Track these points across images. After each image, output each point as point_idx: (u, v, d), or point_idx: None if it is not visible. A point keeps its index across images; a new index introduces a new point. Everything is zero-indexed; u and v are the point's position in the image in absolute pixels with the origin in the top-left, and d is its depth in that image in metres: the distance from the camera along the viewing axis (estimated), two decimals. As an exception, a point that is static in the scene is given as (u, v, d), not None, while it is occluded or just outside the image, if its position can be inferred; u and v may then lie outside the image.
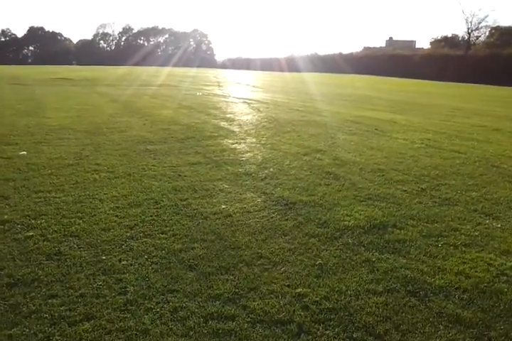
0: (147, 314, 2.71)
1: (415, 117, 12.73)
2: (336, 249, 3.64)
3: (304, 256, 3.51)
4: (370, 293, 2.98)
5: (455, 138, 9.18)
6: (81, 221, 4.17)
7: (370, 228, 4.08)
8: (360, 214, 4.39)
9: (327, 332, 2.56)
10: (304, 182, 5.46)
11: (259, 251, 3.58)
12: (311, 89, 25.86)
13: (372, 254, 3.55)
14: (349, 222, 4.20)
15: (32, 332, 2.53)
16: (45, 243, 3.69)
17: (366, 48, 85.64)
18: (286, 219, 4.25)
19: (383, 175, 5.93)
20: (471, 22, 57.98)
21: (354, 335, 2.53)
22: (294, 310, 2.77)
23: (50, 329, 2.55)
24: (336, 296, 2.92)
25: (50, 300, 2.84)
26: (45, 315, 2.68)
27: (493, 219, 4.45)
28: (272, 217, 4.30)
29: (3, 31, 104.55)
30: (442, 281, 3.14)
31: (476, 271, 3.33)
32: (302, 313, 2.74)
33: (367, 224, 4.16)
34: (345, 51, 78.22)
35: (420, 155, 7.26)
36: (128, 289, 2.99)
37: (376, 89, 27.25)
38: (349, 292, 2.98)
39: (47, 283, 3.05)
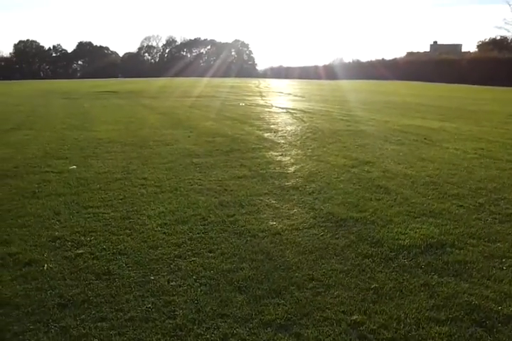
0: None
1: (466, 125, 12.22)
2: (392, 271, 3.45)
3: (358, 278, 3.34)
4: (432, 321, 2.78)
5: (511, 148, 8.71)
6: (129, 238, 4.16)
7: (427, 248, 3.86)
8: (416, 232, 4.17)
9: (388, 365, 2.39)
10: (353, 197, 5.27)
11: (311, 272, 3.44)
12: (354, 97, 25.44)
13: (431, 277, 3.34)
14: (404, 240, 3.99)
15: (82, 358, 2.49)
16: (94, 261, 3.68)
17: (410, 53, 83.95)
18: (337, 238, 4.09)
19: (437, 189, 5.65)
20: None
21: (418, 370, 2.35)
22: (351, 340, 2.61)
23: (100, 356, 2.50)
24: (395, 325, 2.74)
25: (99, 324, 2.80)
26: (94, 340, 2.64)
27: (562, 238, 4.12)
28: (322, 235, 4.15)
29: (54, 47, 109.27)
30: (511, 309, 2.89)
31: (549, 298, 3.06)
32: (360, 343, 2.58)
33: (423, 243, 3.94)
34: (388, 57, 77.08)
35: (474, 166, 6.92)
36: (177, 313, 2.91)
37: (422, 96, 26.52)
38: (408, 320, 2.79)
39: (96, 305, 3.02)
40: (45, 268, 3.58)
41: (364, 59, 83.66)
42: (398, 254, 3.74)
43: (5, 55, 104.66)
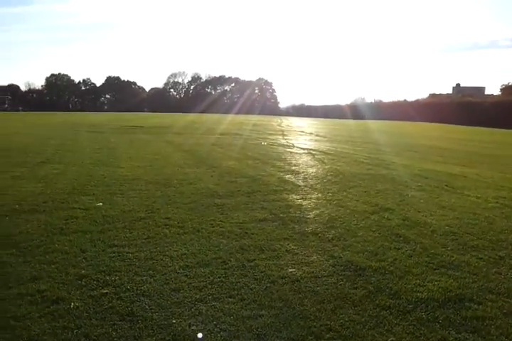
0: (216, 388, 2.70)
1: (487, 171, 12.23)
2: (409, 325, 3.48)
3: (375, 330, 3.39)
4: (449, 379, 2.80)
5: (533, 197, 8.66)
6: (152, 279, 4.28)
7: (445, 301, 3.89)
8: (434, 285, 4.20)
9: None
10: (372, 246, 5.33)
11: (329, 322, 3.50)
12: (376, 138, 25.65)
13: (449, 333, 3.36)
14: (422, 293, 4.03)
15: None
16: (118, 302, 3.80)
17: (432, 95, 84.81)
18: (356, 288, 4.15)
19: (456, 239, 5.68)
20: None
21: None
22: None
23: None
24: (412, 381, 2.77)
25: (123, 366, 2.90)
26: (118, 383, 2.73)
27: None
28: (340, 284, 4.22)
29: (84, 81, 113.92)
30: (529, 371, 2.90)
31: None
32: None
33: (441, 296, 3.97)
34: (410, 98, 78.03)
35: (495, 217, 6.92)
36: (197, 359, 3.00)
37: (444, 139, 26.59)
38: (426, 377, 2.82)
39: (120, 347, 3.12)
40: (71, 306, 3.71)
41: (386, 99, 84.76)
42: (416, 307, 3.78)
43: (37, 88, 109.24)
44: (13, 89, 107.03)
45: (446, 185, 9.60)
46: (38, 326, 3.38)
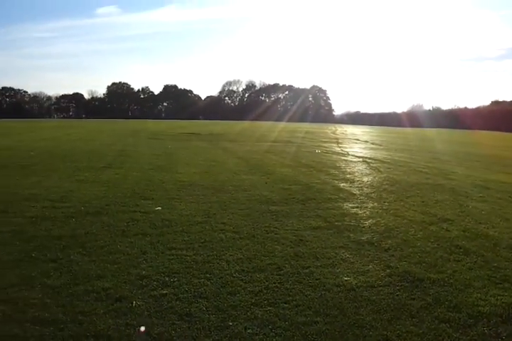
0: (272, 391, 2.74)
1: (556, 183, 11.57)
2: (470, 339, 3.38)
3: (433, 343, 3.32)
4: None
5: None
6: (209, 282, 4.39)
7: (509, 317, 3.74)
8: (497, 300, 4.05)
9: None
10: (431, 257, 5.21)
11: (385, 332, 3.46)
12: (434, 147, 24.91)
13: (513, 350, 3.24)
14: (484, 307, 3.90)
15: None
16: (177, 302, 3.93)
17: (495, 102, 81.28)
18: (413, 299, 4.07)
19: (521, 253, 5.44)
20: None
21: None
22: None
23: None
24: None
25: (182, 365, 3.00)
26: (178, 380, 2.83)
27: None
28: (397, 295, 4.15)
29: (142, 89, 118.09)
30: None
31: None
32: None
33: (505, 312, 3.82)
34: (471, 105, 75.34)
35: None
36: (254, 361, 3.05)
37: (509, 148, 25.41)
38: None
39: (179, 346, 3.23)
40: (133, 304, 3.88)
41: (445, 106, 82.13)
42: (477, 322, 3.66)
43: (99, 96, 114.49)
44: (77, 97, 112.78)
45: (511, 197, 9.19)
46: (103, 321, 3.56)
